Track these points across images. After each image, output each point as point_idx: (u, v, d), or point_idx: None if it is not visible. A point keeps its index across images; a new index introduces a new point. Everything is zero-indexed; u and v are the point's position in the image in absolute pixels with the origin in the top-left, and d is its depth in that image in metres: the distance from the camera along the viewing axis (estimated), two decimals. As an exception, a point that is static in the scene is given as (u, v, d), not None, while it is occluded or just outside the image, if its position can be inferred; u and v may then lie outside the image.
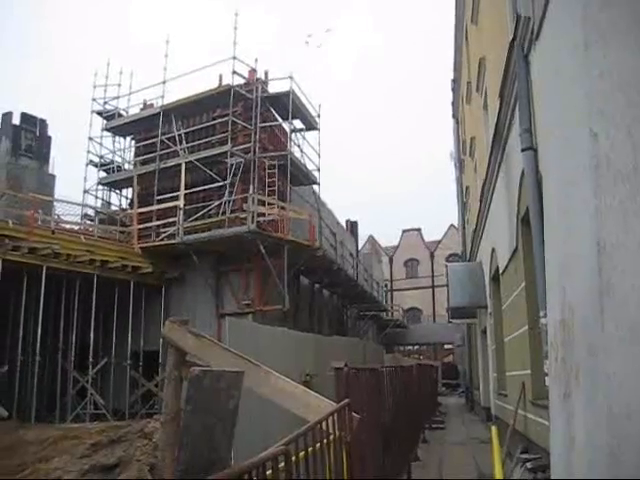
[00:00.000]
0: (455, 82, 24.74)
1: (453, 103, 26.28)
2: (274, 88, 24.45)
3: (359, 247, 44.69)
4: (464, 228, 25.21)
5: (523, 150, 6.81)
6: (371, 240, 62.04)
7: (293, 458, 3.07)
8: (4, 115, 31.29)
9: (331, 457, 4.18)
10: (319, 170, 25.35)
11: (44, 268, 19.55)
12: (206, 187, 22.83)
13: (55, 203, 26.25)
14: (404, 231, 67.79)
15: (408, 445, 10.87)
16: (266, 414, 9.30)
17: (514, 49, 7.18)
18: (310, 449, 3.50)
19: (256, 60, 24.15)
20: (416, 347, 57.81)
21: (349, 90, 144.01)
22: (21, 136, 30.74)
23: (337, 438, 4.38)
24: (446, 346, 54.51)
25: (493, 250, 13.65)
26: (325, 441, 4.02)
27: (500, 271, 12.11)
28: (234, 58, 22.85)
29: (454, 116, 26.29)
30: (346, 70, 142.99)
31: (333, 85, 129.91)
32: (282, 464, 2.87)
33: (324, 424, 3.94)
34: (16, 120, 31.12)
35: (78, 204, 26.29)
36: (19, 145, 30.47)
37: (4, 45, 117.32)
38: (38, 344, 19.75)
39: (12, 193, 24.37)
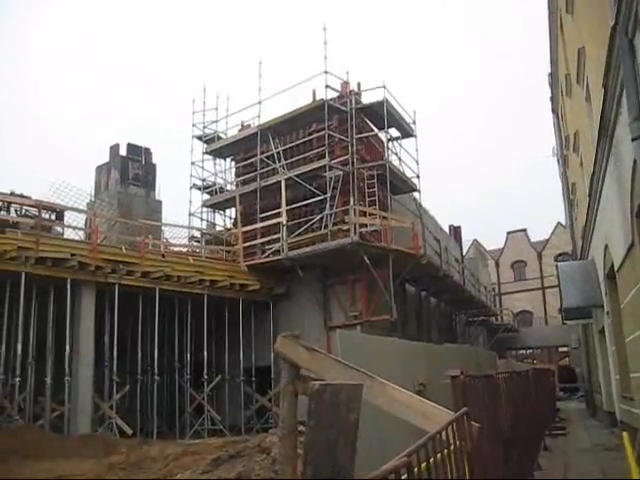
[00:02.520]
0: (552, 76, 23.96)
1: (552, 98, 25.45)
2: (368, 98, 24.49)
3: (464, 252, 43.93)
4: (572, 226, 24.30)
5: (634, 140, 6.49)
6: (475, 244, 60.85)
7: (415, 470, 3.00)
8: (112, 147, 32.80)
9: (452, 468, 4.08)
10: (418, 177, 25.17)
11: (157, 290, 20.31)
12: (307, 202, 23.06)
13: (163, 227, 27.27)
14: (509, 233, 66.18)
15: (529, 453, 10.50)
16: (380, 426, 9.22)
17: (617, 34, 6.86)
18: (431, 460, 3.42)
19: (347, 72, 24.29)
20: (529, 351, 56.09)
21: (444, 93, 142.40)
22: (128, 166, 32.11)
23: (457, 448, 4.27)
24: (561, 349, 52.60)
25: (606, 247, 13.06)
26: (445, 451, 3.93)
27: (616, 268, 11.56)
28: (326, 72, 23.03)
29: (554, 111, 25.46)
30: (439, 73, 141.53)
31: (427, 89, 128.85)
32: (404, 476, 2.82)
33: (443, 434, 3.85)
34: (123, 151, 32.55)
35: (185, 227, 27.19)
36: (127, 174, 31.84)
37: (108, 78, 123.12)
38: (155, 364, 20.48)
39: (123, 220, 25.49)
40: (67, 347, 18.37)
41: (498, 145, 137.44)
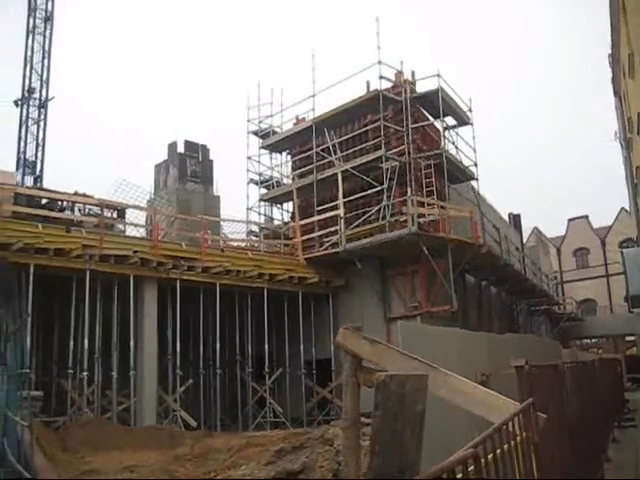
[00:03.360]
0: (613, 57, 23.28)
1: (613, 80, 24.74)
2: (422, 87, 24.25)
3: (524, 240, 43.17)
4: (638, 211, 23.61)
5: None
6: (536, 232, 59.65)
7: (482, 461, 2.96)
8: (170, 145, 33.34)
9: (519, 459, 4.01)
10: (476, 165, 24.84)
11: (217, 285, 20.58)
12: (364, 193, 22.99)
13: (222, 223, 27.60)
14: (570, 220, 64.69)
15: (598, 445, 10.27)
16: (442, 416, 9.14)
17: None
18: (498, 451, 3.38)
19: (401, 62, 24.09)
20: (594, 340, 54.78)
21: (500, 78, 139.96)
22: (186, 163, 32.60)
23: (524, 439, 4.19)
24: (628, 338, 51.20)
25: (674, 231, 12.65)
26: (512, 443, 3.86)
27: (685, 253, 11.19)
28: (379, 63, 22.89)
29: (616, 93, 24.75)
30: (491, 58, 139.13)
31: (481, 74, 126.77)
32: (471, 467, 2.79)
33: (510, 425, 3.79)
34: (180, 148, 33.05)
35: (243, 222, 27.49)
36: (185, 171, 32.34)
37: (164, 76, 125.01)
38: (217, 357, 20.79)
39: (183, 217, 25.90)
40: (131, 342, 18.80)
41: (555, 130, 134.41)
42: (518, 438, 4.01)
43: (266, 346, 21.88)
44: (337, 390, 21.55)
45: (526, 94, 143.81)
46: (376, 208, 22.29)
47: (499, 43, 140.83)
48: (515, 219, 40.22)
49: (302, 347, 22.53)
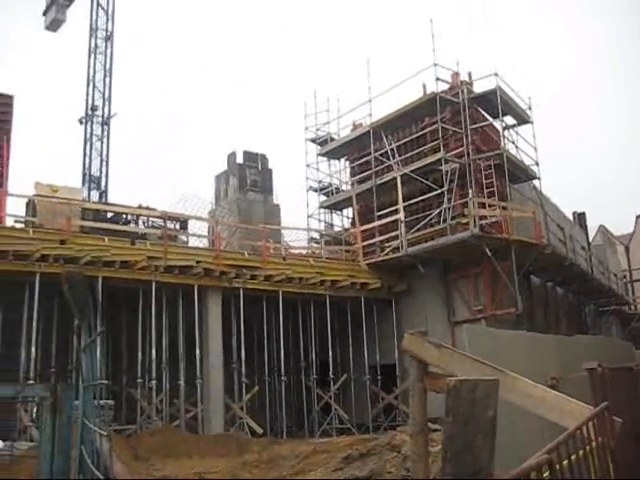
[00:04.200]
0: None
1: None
2: (480, 87, 23.93)
3: (590, 239, 42.10)
4: None
5: None
6: (602, 230, 58.02)
7: (557, 467, 2.88)
8: (229, 155, 33.80)
9: (595, 466, 3.89)
10: (537, 164, 24.35)
11: (280, 293, 20.73)
12: (424, 197, 22.81)
13: (283, 231, 27.81)
14: (638, 217, 62.80)
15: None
16: (512, 421, 8.97)
17: None
18: (573, 457, 3.28)
19: (457, 63, 23.81)
20: (668, 341, 52.95)
21: (557, 74, 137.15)
22: (246, 173, 32.98)
23: (599, 445, 4.06)
24: None
25: None
26: (587, 448, 3.75)
27: None
28: (435, 65, 22.68)
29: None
30: (550, 55, 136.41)
31: (540, 71, 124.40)
32: (546, 474, 2.72)
33: (584, 430, 3.67)
34: (239, 159, 33.45)
35: (303, 229, 27.64)
36: (245, 181, 32.72)
37: (220, 87, 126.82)
38: (282, 364, 20.93)
39: (244, 226, 26.21)
40: (197, 351, 19.09)
41: (620, 126, 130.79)
42: (593, 443, 3.90)
43: (330, 352, 21.92)
44: (402, 395, 21.40)
45: (592, 91, 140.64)
46: (437, 211, 22.09)
47: (564, 37, 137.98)
48: (580, 218, 39.26)
49: (366, 353, 22.48)
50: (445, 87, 23.46)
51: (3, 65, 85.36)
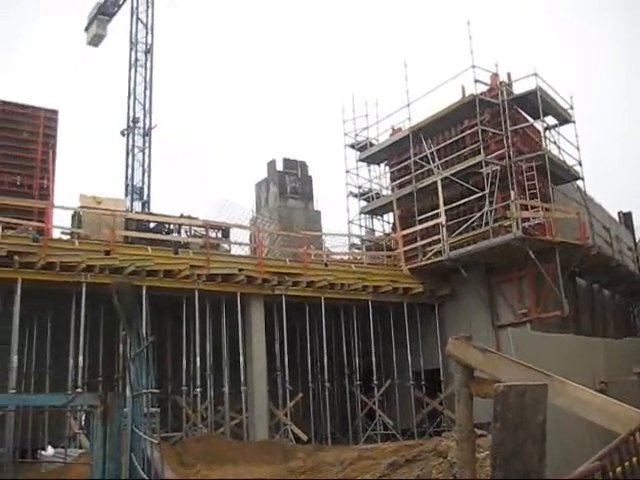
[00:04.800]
0: None
1: None
2: (519, 88, 23.65)
3: (637, 239, 41.20)
4: None
5: None
6: (649, 230, 56.69)
7: (610, 474, 2.82)
8: (269, 163, 33.99)
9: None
10: (580, 164, 23.97)
11: (322, 299, 20.75)
12: (465, 200, 22.62)
13: (324, 237, 27.83)
14: (687, 215, 61.28)
15: None
16: (559, 426, 8.81)
17: None
18: (626, 464, 3.20)
19: (496, 64, 23.58)
20: None
21: (600, 71, 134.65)
22: (286, 180, 33.11)
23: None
24: None
25: None
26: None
27: None
28: (473, 67, 22.53)
29: None
30: (591, 51, 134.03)
31: (583, 69, 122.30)
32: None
33: (637, 435, 3.58)
34: (279, 166, 33.62)
35: (344, 235, 27.61)
36: (285, 188, 32.83)
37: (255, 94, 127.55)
38: (325, 371, 20.92)
39: (285, 233, 26.32)
40: (241, 358, 19.21)
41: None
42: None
43: (373, 358, 21.83)
44: (447, 401, 21.22)
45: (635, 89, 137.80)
46: (478, 214, 21.89)
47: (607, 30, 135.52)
48: (626, 218, 38.48)
49: (410, 358, 22.35)
50: (484, 89, 23.28)
51: (48, 80, 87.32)
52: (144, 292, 17.15)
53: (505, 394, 2.37)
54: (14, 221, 19.44)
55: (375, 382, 21.92)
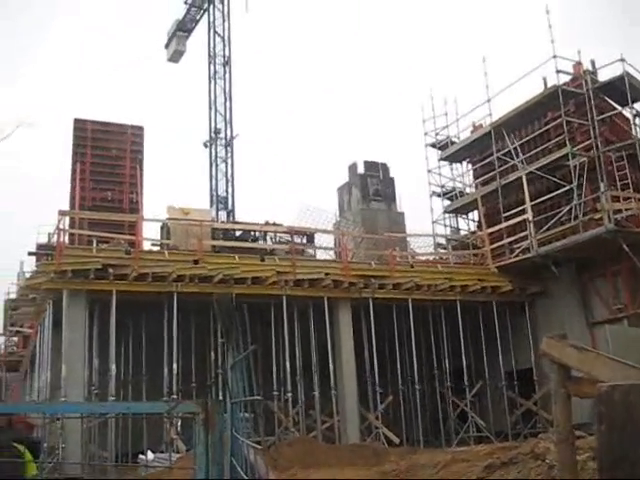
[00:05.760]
0: None
1: None
2: (605, 75, 22.85)
3: None
4: None
5: None
6: None
7: None
8: (350, 166, 34.08)
9: None
10: (676, 151, 22.95)
11: (409, 301, 20.63)
12: (552, 194, 22.02)
13: (408, 238, 27.67)
14: None
15: None
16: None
17: None
18: None
19: (579, 52, 22.89)
20: None
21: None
22: (368, 182, 33.09)
23: None
24: None
25: None
26: None
27: None
28: (554, 57, 21.90)
29: None
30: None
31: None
32: None
33: None
34: (360, 169, 33.65)
35: (429, 235, 27.38)
36: (367, 191, 32.82)
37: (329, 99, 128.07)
38: (415, 373, 20.77)
39: (369, 236, 26.32)
40: (330, 362, 19.31)
41: None
42: None
43: (463, 359, 21.53)
44: (542, 401, 20.69)
45: None
46: (567, 208, 21.24)
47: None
48: None
49: (501, 358, 21.90)
50: (567, 79, 22.62)
51: (133, 97, 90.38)
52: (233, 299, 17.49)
53: (609, 394, 2.28)
54: (107, 235, 20.24)
55: (466, 383, 21.61)
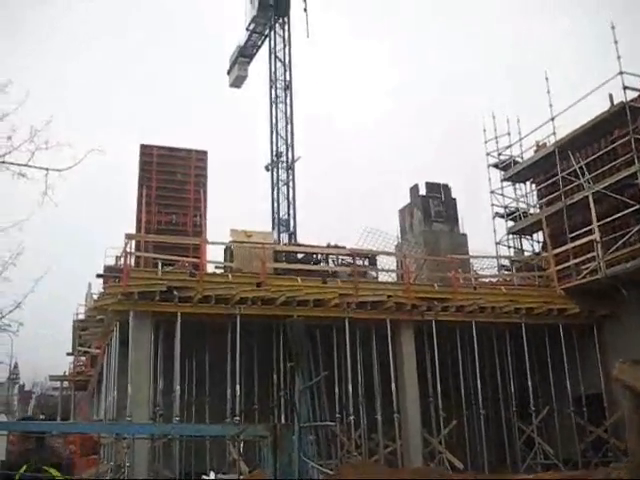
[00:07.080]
0: None
1: None
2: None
3: None
4: None
5: None
6: None
7: None
8: (411, 188, 33.95)
9: None
10: None
11: (473, 323, 20.36)
12: (620, 214, 21.44)
13: (471, 260, 27.35)
14: None
15: None
16: None
17: None
18: None
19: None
20: None
21: None
22: (429, 204, 32.90)
23: None
24: None
25: None
26: None
27: None
28: (621, 73, 21.45)
29: None
30: None
31: None
32: None
33: None
34: (422, 190, 33.51)
35: (492, 257, 26.99)
36: (429, 213, 32.62)
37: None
38: (479, 397, 20.40)
39: (432, 258, 26.13)
40: (393, 385, 19.16)
41: None
42: None
43: (529, 383, 21.04)
44: (613, 428, 19.98)
45: None
46: (636, 228, 20.65)
47: None
48: None
49: (568, 382, 21.28)
50: (635, 95, 22.09)
51: (198, 124, 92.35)
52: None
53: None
54: (172, 257, 20.65)
55: (532, 408, 21.06)
